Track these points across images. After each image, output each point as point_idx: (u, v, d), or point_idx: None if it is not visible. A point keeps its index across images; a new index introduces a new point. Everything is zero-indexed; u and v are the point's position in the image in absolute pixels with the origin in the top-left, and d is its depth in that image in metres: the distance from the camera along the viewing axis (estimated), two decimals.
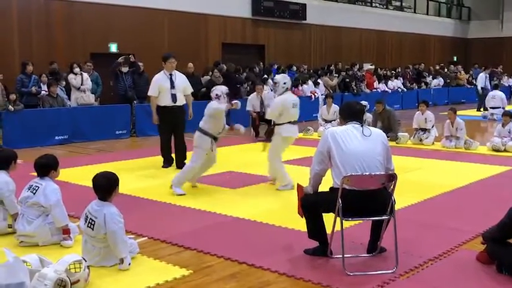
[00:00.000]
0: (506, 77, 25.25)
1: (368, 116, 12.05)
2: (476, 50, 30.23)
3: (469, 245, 4.93)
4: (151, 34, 16.17)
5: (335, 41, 22.56)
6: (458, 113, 11.52)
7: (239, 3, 18.85)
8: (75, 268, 3.88)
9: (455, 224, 5.57)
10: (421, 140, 11.44)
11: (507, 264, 4.17)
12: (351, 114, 4.58)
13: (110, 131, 12.42)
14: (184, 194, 6.80)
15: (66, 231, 4.88)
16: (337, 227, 4.30)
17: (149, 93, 8.57)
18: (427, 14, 28.30)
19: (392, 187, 4.35)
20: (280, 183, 7.12)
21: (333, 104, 13.29)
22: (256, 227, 5.53)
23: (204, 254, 4.71)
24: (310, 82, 17.22)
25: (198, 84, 13.40)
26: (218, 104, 6.89)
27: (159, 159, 8.90)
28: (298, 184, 4.75)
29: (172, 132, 8.64)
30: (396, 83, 20.79)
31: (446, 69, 24.49)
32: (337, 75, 18.68)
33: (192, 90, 9.08)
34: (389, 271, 4.23)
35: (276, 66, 18.01)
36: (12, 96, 11.10)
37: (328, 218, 4.47)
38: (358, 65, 20.15)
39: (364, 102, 12.38)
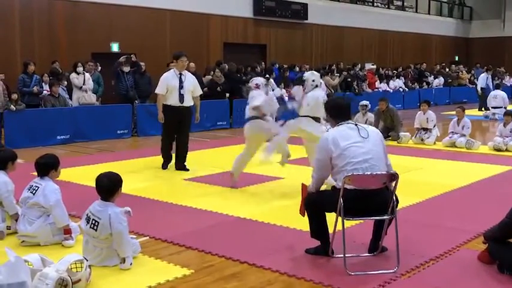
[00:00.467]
0: (508, 76, 25.22)
1: (370, 116, 12.04)
2: (478, 49, 30.19)
3: (471, 244, 4.92)
4: (153, 34, 16.18)
5: (336, 40, 22.56)
6: None
7: (241, 3, 18.86)
8: (76, 267, 3.88)
9: (457, 223, 5.57)
10: (422, 140, 11.44)
11: (508, 263, 4.16)
12: (341, 112, 4.52)
13: (112, 130, 12.43)
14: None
15: (67, 231, 4.87)
16: (339, 227, 4.30)
17: (157, 91, 8.32)
18: (429, 13, 28.28)
19: (393, 187, 4.35)
20: None
21: None
22: (258, 227, 5.53)
23: (206, 253, 4.71)
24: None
25: (199, 84, 13.37)
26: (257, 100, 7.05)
27: (161, 159, 8.90)
28: (302, 184, 4.75)
29: (175, 133, 8.43)
30: (398, 83, 20.78)
31: (448, 69, 24.47)
32: (338, 74, 18.67)
33: (201, 92, 8.87)
34: (391, 271, 4.23)
35: (277, 66, 18.01)
36: (14, 96, 11.10)
37: (329, 218, 4.47)
38: (359, 65, 20.13)
39: (365, 102, 12.41)
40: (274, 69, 17.62)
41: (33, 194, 4.88)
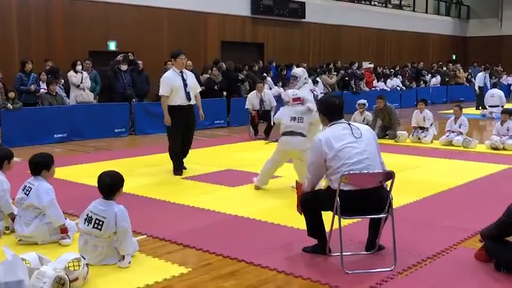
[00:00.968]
0: (505, 75, 25.27)
1: (367, 115, 12.05)
2: (475, 48, 30.25)
3: (467, 243, 4.94)
4: (151, 32, 16.17)
5: (334, 39, 22.57)
6: None
7: (238, 2, 18.84)
8: (74, 266, 3.88)
9: (454, 222, 5.58)
10: (419, 139, 11.46)
11: (505, 262, 4.18)
12: (334, 111, 4.49)
13: (109, 129, 12.42)
14: None
15: (63, 230, 4.86)
16: (336, 225, 4.30)
17: (161, 93, 7.89)
18: (426, 12, 28.31)
19: (390, 185, 4.36)
20: None
21: None
22: (255, 225, 5.53)
23: (203, 252, 4.71)
24: (309, 80, 17.19)
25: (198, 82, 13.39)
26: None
27: (158, 157, 8.90)
28: (297, 181, 4.75)
29: (183, 134, 8.08)
30: (395, 82, 20.81)
31: (445, 68, 24.51)
32: (336, 73, 18.69)
33: (201, 89, 8.69)
34: (388, 269, 4.24)
35: (274, 64, 18.02)
36: (11, 94, 11.09)
37: (326, 216, 4.48)
38: (357, 64, 20.15)
39: (363, 101, 12.42)
40: (272, 68, 17.63)
41: (27, 195, 4.85)
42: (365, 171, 4.22)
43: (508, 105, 15.39)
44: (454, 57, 29.06)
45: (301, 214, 4.66)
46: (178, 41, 16.47)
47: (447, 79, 23.47)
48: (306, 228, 4.65)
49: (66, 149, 10.76)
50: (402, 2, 26.87)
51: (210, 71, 14.93)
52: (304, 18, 20.91)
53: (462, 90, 23.38)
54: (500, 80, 23.16)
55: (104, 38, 15.27)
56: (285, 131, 6.81)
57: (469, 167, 8.75)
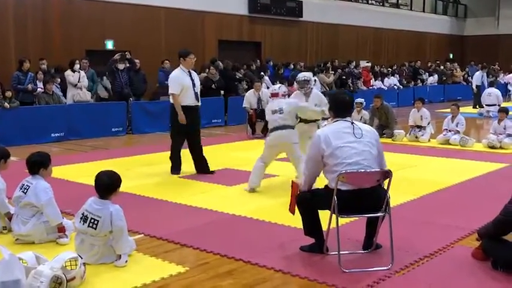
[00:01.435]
0: (502, 74, 25.31)
1: (364, 113, 12.05)
2: (472, 47, 30.29)
3: (465, 241, 4.94)
4: (148, 31, 16.15)
5: (331, 38, 22.57)
6: None
7: (236, 1, 18.83)
8: (71, 265, 3.88)
9: (451, 220, 5.58)
10: (416, 137, 11.47)
11: (502, 260, 4.18)
12: (341, 108, 4.49)
13: (106, 128, 12.41)
14: None
15: (61, 229, 4.86)
16: (333, 224, 4.31)
17: (172, 91, 7.70)
18: (424, 11, 28.34)
19: (387, 184, 4.36)
20: None
21: None
22: (253, 224, 5.53)
23: (200, 251, 4.71)
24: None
25: None
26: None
27: (156, 156, 8.89)
28: (292, 181, 4.76)
29: (186, 135, 7.94)
30: (392, 80, 20.82)
31: (442, 67, 24.54)
32: (333, 72, 18.70)
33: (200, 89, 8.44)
34: (385, 268, 4.24)
35: (271, 63, 18.01)
36: (8, 94, 11.08)
37: (323, 215, 4.48)
38: (354, 62, 20.17)
39: (360, 100, 12.42)
40: (269, 67, 17.63)
41: (25, 193, 4.85)
42: (362, 170, 4.22)
43: (504, 104, 15.40)
44: (451, 56, 29.10)
45: (293, 214, 4.66)
46: (175, 40, 16.46)
47: (444, 78, 23.50)
48: (302, 227, 4.65)
49: (63, 148, 10.75)
50: (399, 1, 26.89)
51: (207, 70, 14.92)
52: (302, 17, 20.91)
53: (459, 89, 23.41)
54: (497, 79, 23.20)
55: (101, 37, 15.25)
56: (272, 126, 6.94)
57: (466, 166, 8.76)
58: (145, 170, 8.33)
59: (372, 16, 24.31)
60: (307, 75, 8.02)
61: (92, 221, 4.32)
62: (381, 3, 25.93)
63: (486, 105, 17.01)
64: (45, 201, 4.79)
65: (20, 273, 3.56)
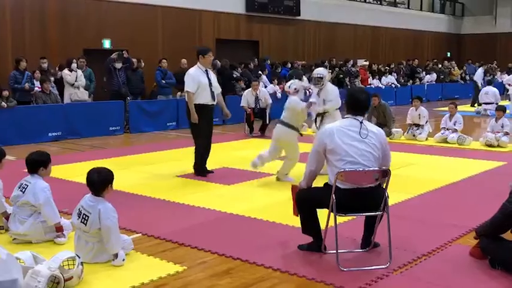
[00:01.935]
0: (499, 72, 25.34)
1: None
2: (469, 45, 30.33)
3: (462, 240, 4.95)
4: (145, 30, 16.13)
5: (329, 37, 22.57)
6: None
7: None
8: (68, 265, 3.87)
9: (449, 219, 5.59)
10: (414, 136, 11.48)
11: (500, 259, 4.19)
12: (354, 106, 4.46)
13: (104, 127, 12.39)
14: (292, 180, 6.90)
15: (59, 228, 4.85)
16: (331, 223, 4.31)
17: (188, 89, 7.49)
18: (421, 9, 28.34)
19: (386, 183, 4.36)
20: None
21: None
22: (250, 223, 5.53)
23: (198, 250, 4.71)
24: (304, 78, 17.18)
25: None
26: (298, 101, 7.24)
27: (153, 155, 8.86)
28: (292, 185, 4.76)
29: (206, 137, 7.81)
30: (390, 79, 20.82)
31: (440, 65, 24.55)
32: (331, 71, 18.64)
33: (221, 89, 8.09)
34: (383, 266, 4.25)
35: (269, 62, 17.99)
36: (5, 93, 11.05)
37: (321, 214, 4.48)
38: (352, 61, 20.14)
39: None
40: (267, 66, 17.61)
41: (23, 193, 4.84)
42: (361, 169, 4.22)
43: (502, 103, 15.42)
44: (448, 54, 29.13)
45: (297, 216, 4.65)
46: (172, 39, 16.45)
47: (442, 76, 23.51)
48: (300, 226, 4.65)
49: (61, 148, 10.73)
50: (397, 0, 26.90)
51: None
52: (299, 15, 20.90)
53: (457, 88, 23.43)
54: (495, 77, 23.22)
55: (99, 36, 15.23)
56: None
57: (463, 164, 8.77)
58: (143, 169, 8.32)
59: (370, 15, 24.31)
60: (322, 71, 7.92)
61: (84, 216, 4.33)
62: (379, 2, 25.92)
63: (484, 103, 17.03)
64: (44, 200, 4.78)
65: (17, 273, 3.55)
